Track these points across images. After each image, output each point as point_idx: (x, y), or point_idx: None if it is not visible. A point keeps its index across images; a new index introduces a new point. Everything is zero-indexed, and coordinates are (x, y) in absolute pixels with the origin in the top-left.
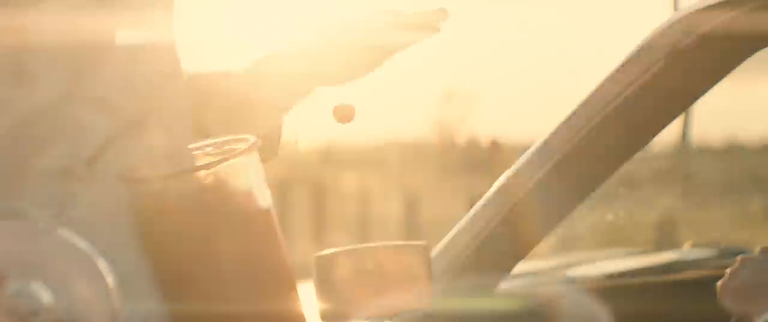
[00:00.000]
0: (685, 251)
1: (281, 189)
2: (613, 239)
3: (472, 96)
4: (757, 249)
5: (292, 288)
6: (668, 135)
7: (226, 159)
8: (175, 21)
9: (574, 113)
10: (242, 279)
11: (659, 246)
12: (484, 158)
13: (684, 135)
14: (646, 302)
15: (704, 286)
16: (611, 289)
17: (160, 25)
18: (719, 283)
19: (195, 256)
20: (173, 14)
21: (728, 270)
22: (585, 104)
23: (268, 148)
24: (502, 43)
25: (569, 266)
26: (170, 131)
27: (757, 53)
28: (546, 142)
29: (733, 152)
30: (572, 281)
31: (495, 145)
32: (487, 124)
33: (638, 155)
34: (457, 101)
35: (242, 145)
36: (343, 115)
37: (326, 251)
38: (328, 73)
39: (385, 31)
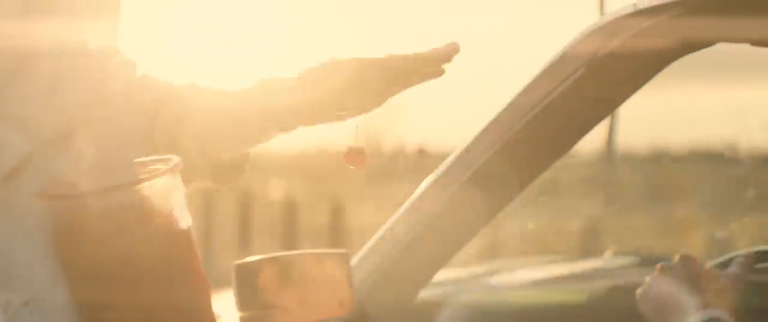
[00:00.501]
0: (607, 259)
1: (206, 196)
2: (536, 247)
3: (399, 104)
4: (676, 257)
5: (209, 309)
6: (593, 142)
7: (148, 179)
8: (118, 31)
9: (495, 120)
10: (160, 299)
11: (582, 254)
12: (410, 166)
13: (609, 142)
14: (568, 309)
15: (624, 294)
16: (533, 296)
17: (97, 35)
18: (638, 291)
19: (113, 275)
20: (115, 24)
21: (647, 278)
22: (506, 111)
23: (232, 176)
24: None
25: (492, 273)
26: (100, 146)
27: (682, 60)
28: (467, 150)
29: (657, 160)
30: (494, 288)
31: (421, 153)
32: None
33: (563, 162)
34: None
35: (165, 166)
36: (356, 159)
37: (247, 259)
38: (316, 112)
39: (396, 74)
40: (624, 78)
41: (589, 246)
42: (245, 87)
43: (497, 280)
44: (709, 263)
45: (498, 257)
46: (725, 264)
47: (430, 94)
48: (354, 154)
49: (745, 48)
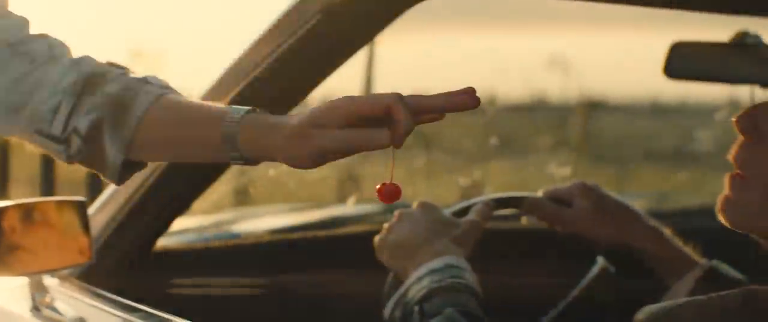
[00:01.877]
0: (349, 207)
1: None
2: (286, 196)
3: (160, 54)
4: (414, 204)
5: None
6: (354, 89)
7: None
8: None
9: (227, 72)
10: None
11: (329, 202)
12: None
13: (367, 91)
14: (309, 257)
15: (365, 241)
16: (275, 244)
17: None
18: (376, 238)
19: None
20: None
21: (386, 225)
22: (236, 64)
23: None
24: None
25: (234, 221)
26: None
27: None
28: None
29: None
30: (237, 235)
31: None
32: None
33: None
34: (144, 61)
35: None
36: (390, 195)
37: None
38: None
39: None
40: (358, 26)
41: (342, 194)
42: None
43: (240, 227)
44: (448, 210)
45: (242, 205)
46: (464, 211)
47: (191, 43)
48: (388, 191)
49: None
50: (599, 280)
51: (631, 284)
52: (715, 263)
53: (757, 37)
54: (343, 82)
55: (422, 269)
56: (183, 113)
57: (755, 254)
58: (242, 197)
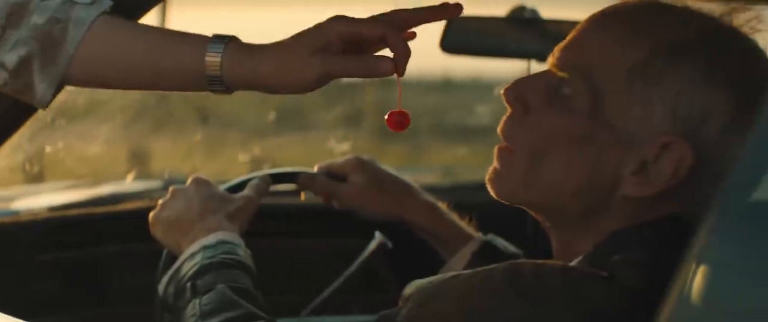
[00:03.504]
0: (128, 183)
1: None
2: (58, 172)
3: None
4: (189, 179)
5: None
6: None
7: None
8: None
9: None
10: None
11: (113, 178)
12: None
13: None
14: (88, 234)
15: (143, 217)
16: (52, 221)
17: None
18: (151, 215)
19: None
20: None
21: (161, 201)
22: None
23: None
24: None
25: (11, 198)
26: None
27: None
28: None
29: None
30: (15, 213)
31: None
32: None
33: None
34: None
35: None
36: (398, 122)
37: None
38: None
39: None
40: None
41: (122, 171)
42: None
43: (17, 204)
44: (224, 186)
45: (23, 182)
46: (241, 187)
47: None
48: (397, 118)
49: None
50: (377, 255)
51: (409, 259)
52: (490, 237)
53: (534, 12)
54: None
55: (195, 246)
56: (137, 43)
57: (532, 227)
58: (18, 175)
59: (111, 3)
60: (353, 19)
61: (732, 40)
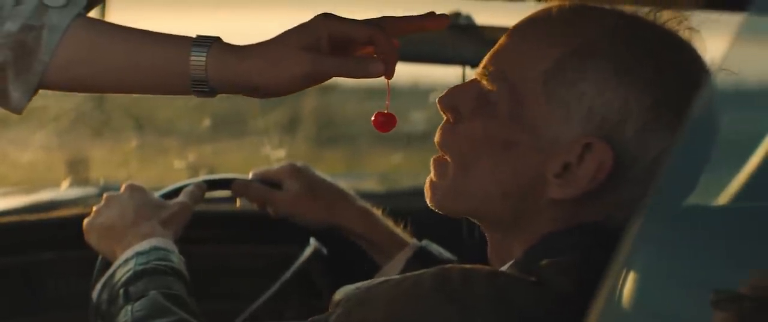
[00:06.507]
0: (63, 190)
1: None
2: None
3: None
4: (123, 186)
5: None
6: None
7: None
8: None
9: None
10: None
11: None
12: None
13: None
14: (22, 241)
15: (77, 224)
16: None
17: None
18: (85, 222)
19: None
20: None
21: (95, 208)
22: None
23: None
24: None
25: None
26: None
27: None
28: None
29: None
30: None
31: None
32: None
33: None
34: None
35: None
36: (383, 123)
37: None
38: None
39: None
40: None
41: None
42: None
43: None
44: (158, 193)
45: None
46: (175, 193)
47: None
48: (383, 119)
49: None
50: (312, 262)
51: (344, 266)
52: (425, 243)
53: (468, 18)
54: None
55: (129, 252)
56: (116, 45)
57: (467, 233)
58: None
59: (85, 2)
60: (342, 18)
61: (646, 38)
